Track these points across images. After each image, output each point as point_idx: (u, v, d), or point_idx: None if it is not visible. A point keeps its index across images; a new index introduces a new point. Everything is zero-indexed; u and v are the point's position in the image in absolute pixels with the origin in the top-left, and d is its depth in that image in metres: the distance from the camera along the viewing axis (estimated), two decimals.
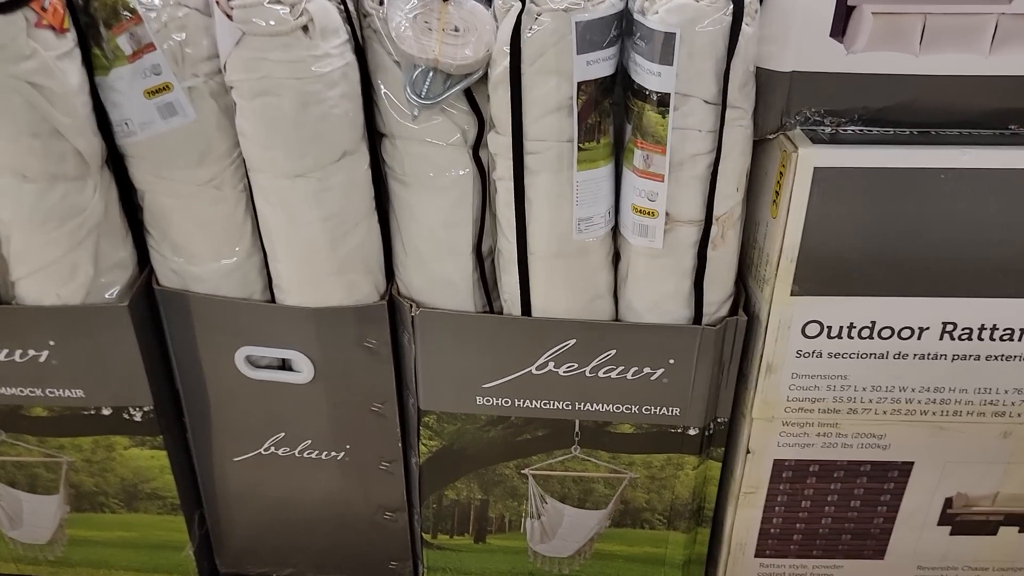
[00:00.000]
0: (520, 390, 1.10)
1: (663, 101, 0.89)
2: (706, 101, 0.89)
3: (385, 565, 1.33)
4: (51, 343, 1.06)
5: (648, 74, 0.89)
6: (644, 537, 1.25)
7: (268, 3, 0.87)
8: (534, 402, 1.11)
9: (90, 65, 0.95)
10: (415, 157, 1.00)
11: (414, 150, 1.00)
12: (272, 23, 0.87)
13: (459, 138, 0.99)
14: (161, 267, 1.09)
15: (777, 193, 0.97)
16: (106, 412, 1.12)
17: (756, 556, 1.26)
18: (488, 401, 1.11)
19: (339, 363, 1.10)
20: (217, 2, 0.88)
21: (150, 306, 1.09)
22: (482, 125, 1.00)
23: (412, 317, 1.06)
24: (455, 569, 1.31)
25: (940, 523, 1.21)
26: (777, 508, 1.21)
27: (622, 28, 0.91)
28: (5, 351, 1.06)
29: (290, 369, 1.13)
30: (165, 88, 0.96)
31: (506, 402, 1.11)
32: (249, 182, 1.02)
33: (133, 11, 0.93)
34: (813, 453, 1.15)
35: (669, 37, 0.85)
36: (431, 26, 0.91)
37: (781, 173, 0.95)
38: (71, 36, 0.93)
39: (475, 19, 0.92)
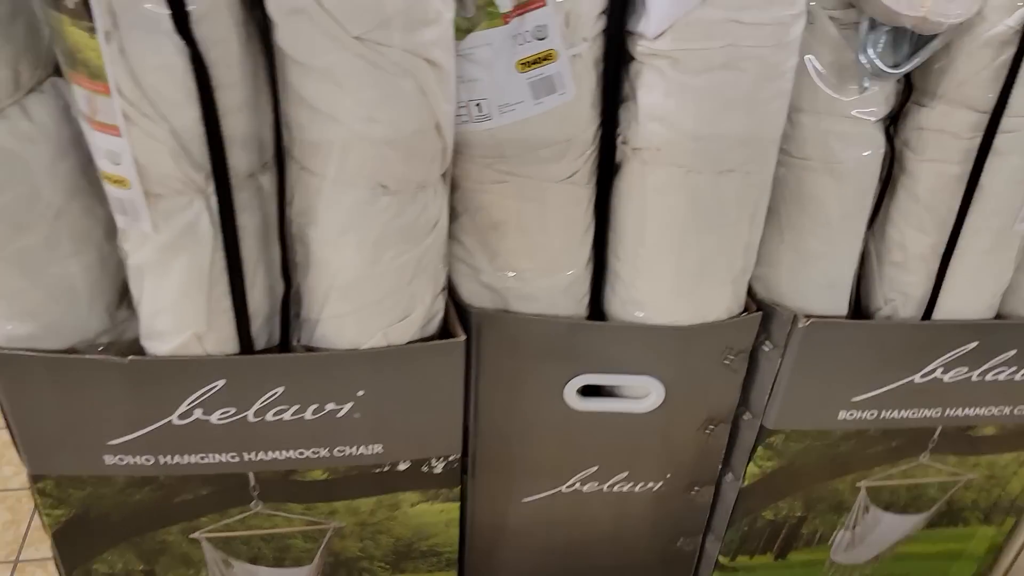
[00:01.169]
0: (893, 401, 0.95)
1: None
2: None
3: None
4: (360, 393, 0.82)
5: None
6: (956, 534, 1.15)
7: None
8: (903, 412, 0.96)
9: None
10: (829, 136, 0.81)
11: (830, 127, 0.81)
12: None
13: (883, 112, 0.81)
14: (470, 284, 0.86)
15: None
16: (402, 467, 0.89)
17: None
18: (852, 415, 0.96)
19: (693, 385, 0.92)
20: None
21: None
22: (907, 97, 0.82)
23: (793, 328, 0.88)
24: None
25: None
26: None
27: None
28: (294, 407, 0.81)
29: (618, 395, 0.94)
30: (547, 57, 0.72)
31: (872, 415, 0.96)
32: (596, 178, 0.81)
33: None
34: None
35: None
36: None
37: None
38: None
39: None
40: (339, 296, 0.75)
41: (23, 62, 0.64)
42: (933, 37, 0.75)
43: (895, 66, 0.74)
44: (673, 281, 0.83)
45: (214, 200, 0.67)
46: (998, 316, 0.94)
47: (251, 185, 0.69)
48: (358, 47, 0.61)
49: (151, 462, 0.82)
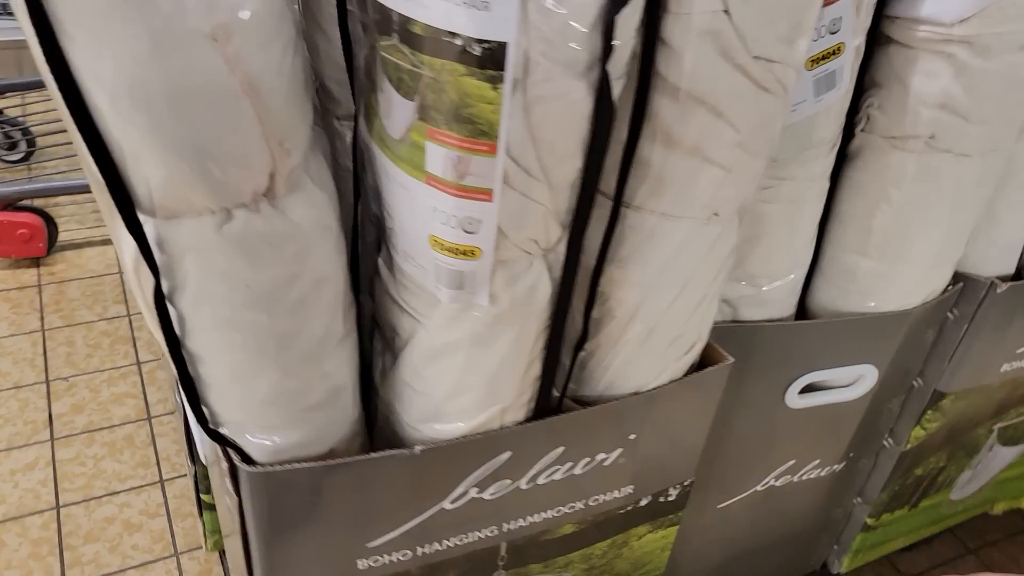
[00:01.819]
0: None
1: None
2: None
3: (822, 553, 1.19)
4: (631, 437, 0.74)
5: None
6: None
7: None
8: None
9: None
10: None
11: None
12: None
13: None
14: None
15: None
16: (644, 502, 0.83)
17: None
18: (1012, 366, 1.00)
19: (898, 364, 0.92)
20: None
21: None
22: None
23: (987, 294, 0.90)
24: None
25: None
26: None
27: None
28: (567, 465, 0.73)
29: (823, 387, 0.92)
30: (836, 51, 0.67)
31: None
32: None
33: None
34: None
35: None
36: None
37: None
38: None
39: None
40: (636, 339, 0.67)
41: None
42: None
43: None
44: (909, 268, 0.82)
45: (554, 258, 0.57)
46: None
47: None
48: (752, 68, 0.53)
49: (408, 556, 0.71)
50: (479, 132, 0.48)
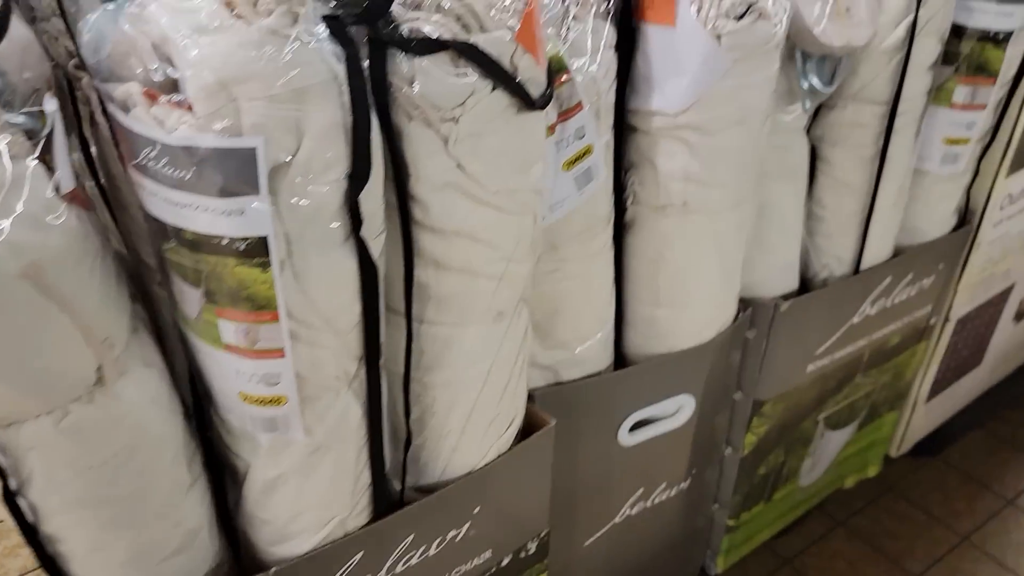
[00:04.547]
0: (840, 343, 1.14)
1: (1005, 37, 0.98)
2: None
3: (697, 560, 1.29)
4: (476, 510, 0.82)
5: (991, 16, 0.96)
6: (874, 427, 1.39)
7: (759, 21, 0.75)
8: (847, 348, 1.16)
9: None
10: (778, 150, 0.95)
11: (778, 142, 0.94)
12: (761, 44, 0.76)
13: (808, 120, 0.97)
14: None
15: None
16: (505, 562, 0.91)
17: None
18: (815, 366, 1.14)
19: (711, 387, 1.03)
20: (705, 26, 0.74)
21: None
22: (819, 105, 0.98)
23: (775, 313, 1.03)
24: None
25: None
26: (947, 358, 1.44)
27: None
28: (421, 549, 0.80)
29: (652, 420, 1.02)
30: (586, 152, 0.78)
31: (828, 361, 1.14)
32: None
33: (564, 68, 0.72)
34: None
35: None
36: (832, 11, 0.87)
37: None
38: None
39: None
40: (459, 431, 0.76)
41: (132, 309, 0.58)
42: (844, 58, 0.91)
43: (827, 84, 0.89)
44: (697, 308, 0.93)
45: (359, 384, 0.65)
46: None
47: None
48: (496, 200, 0.62)
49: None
50: (259, 307, 0.55)
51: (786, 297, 1.04)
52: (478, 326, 0.70)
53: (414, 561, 0.80)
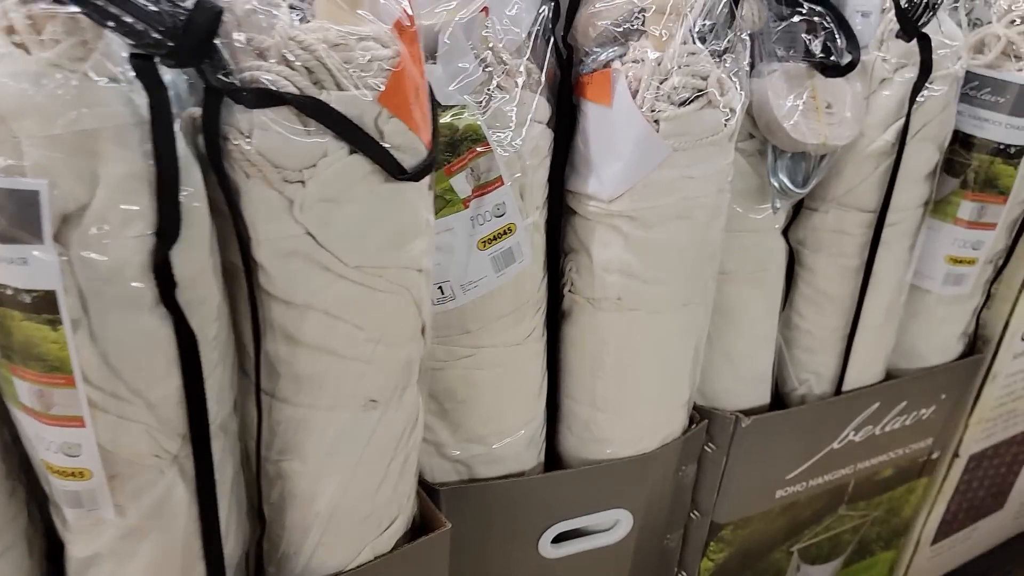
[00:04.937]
0: (818, 470, 1.02)
1: (1017, 152, 0.88)
2: None
3: None
4: None
5: (1001, 127, 0.87)
6: (865, 565, 1.25)
7: (705, 109, 0.68)
8: (826, 476, 1.04)
9: None
10: (746, 249, 0.87)
11: (746, 242, 0.86)
12: (706, 133, 0.69)
13: (783, 222, 0.88)
14: (434, 461, 0.81)
15: None
16: None
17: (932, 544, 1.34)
18: (786, 492, 1.02)
19: (654, 504, 0.93)
20: (644, 116, 0.66)
21: None
22: (799, 204, 0.90)
23: (736, 428, 0.93)
24: None
25: None
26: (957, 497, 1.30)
27: None
28: None
29: (584, 532, 0.92)
30: (507, 232, 0.71)
31: (802, 486, 1.03)
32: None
33: (481, 139, 0.66)
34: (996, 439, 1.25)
35: None
36: (808, 106, 0.79)
37: None
38: None
39: (839, 92, 0.81)
40: (323, 523, 0.67)
41: None
42: (825, 156, 0.82)
43: (800, 185, 0.81)
44: (637, 414, 0.84)
45: (189, 464, 0.58)
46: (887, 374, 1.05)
47: (220, 435, 0.60)
48: (356, 276, 0.55)
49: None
50: (52, 368, 0.49)
51: (755, 411, 0.94)
52: (341, 412, 0.62)
53: None
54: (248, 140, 0.49)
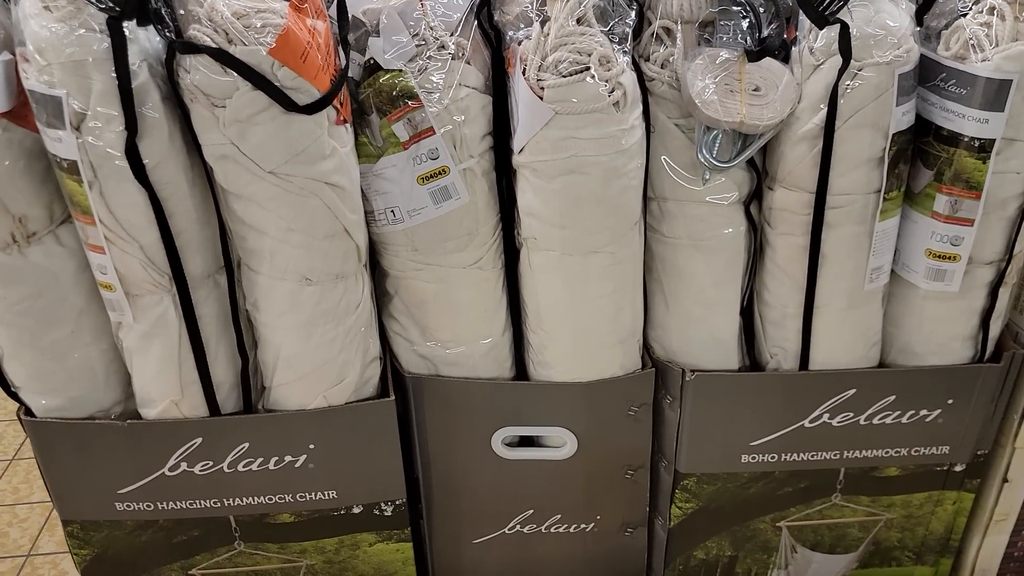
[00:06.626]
0: (789, 445, 1.07)
1: (985, 147, 0.87)
2: None
3: None
4: (311, 447, 0.99)
5: (967, 120, 0.86)
6: (891, 573, 1.23)
7: (585, 80, 0.82)
8: (802, 455, 1.08)
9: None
10: (691, 218, 0.96)
11: (691, 211, 0.96)
12: (589, 101, 0.83)
13: (736, 196, 0.96)
14: (407, 354, 1.03)
15: None
16: (356, 511, 1.06)
17: None
18: (754, 459, 1.08)
19: (603, 435, 1.06)
20: (528, 84, 0.83)
21: (401, 397, 1.03)
22: (759, 182, 0.97)
23: (683, 382, 1.02)
24: None
25: None
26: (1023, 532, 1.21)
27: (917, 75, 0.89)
28: (259, 459, 0.99)
29: (541, 445, 1.08)
30: (441, 172, 0.91)
31: (772, 458, 1.08)
32: (505, 261, 0.98)
33: (414, 96, 0.87)
34: None
35: (1004, 84, 0.83)
36: (732, 88, 0.88)
37: None
38: (350, 128, 0.87)
39: (773, 77, 0.88)
40: (284, 367, 0.94)
41: (56, 203, 0.86)
42: (756, 136, 0.90)
43: (727, 161, 0.89)
44: (569, 344, 0.99)
45: (177, 297, 0.87)
46: (881, 366, 1.05)
47: (208, 283, 0.89)
48: (272, 179, 0.80)
49: (151, 508, 1.01)
50: (84, 211, 0.80)
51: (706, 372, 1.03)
52: (284, 283, 0.88)
53: (255, 468, 1.00)
54: (189, 76, 0.76)
